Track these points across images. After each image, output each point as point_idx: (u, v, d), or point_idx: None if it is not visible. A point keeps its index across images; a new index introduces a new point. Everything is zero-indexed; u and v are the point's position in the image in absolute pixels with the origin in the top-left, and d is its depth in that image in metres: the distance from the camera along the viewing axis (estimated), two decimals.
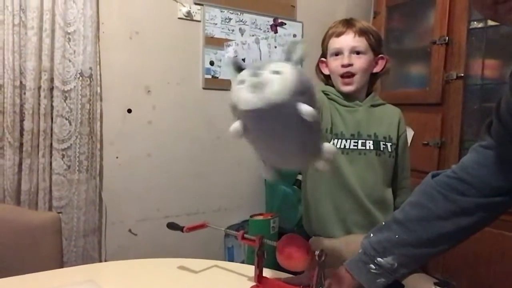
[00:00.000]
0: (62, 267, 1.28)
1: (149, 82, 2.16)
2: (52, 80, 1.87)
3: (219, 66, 2.32)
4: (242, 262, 2.22)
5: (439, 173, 0.87)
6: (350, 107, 1.27)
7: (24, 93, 1.81)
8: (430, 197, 0.84)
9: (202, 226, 1.08)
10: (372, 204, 1.24)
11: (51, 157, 1.89)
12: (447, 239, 0.84)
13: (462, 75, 1.84)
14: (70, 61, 1.90)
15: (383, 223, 0.90)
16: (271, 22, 2.48)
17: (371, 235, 0.90)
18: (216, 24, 2.30)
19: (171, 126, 2.23)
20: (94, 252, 2.02)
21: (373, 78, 1.30)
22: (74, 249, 1.95)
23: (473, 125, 1.83)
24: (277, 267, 0.94)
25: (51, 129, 1.88)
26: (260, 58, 2.47)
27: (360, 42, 1.23)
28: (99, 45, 2.00)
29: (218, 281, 1.05)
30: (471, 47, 1.84)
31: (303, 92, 0.67)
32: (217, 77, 2.32)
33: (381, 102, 1.33)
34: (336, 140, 1.24)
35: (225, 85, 2.34)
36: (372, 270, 0.86)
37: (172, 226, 1.10)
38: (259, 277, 0.93)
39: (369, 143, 1.25)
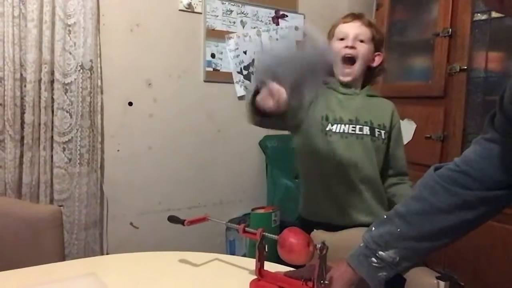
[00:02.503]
0: (63, 260, 1.28)
1: (150, 74, 2.15)
2: (52, 72, 1.86)
3: (220, 59, 2.31)
4: (244, 256, 2.22)
5: (442, 166, 0.86)
6: (348, 94, 1.37)
7: (25, 86, 1.80)
8: (432, 191, 0.83)
9: (203, 219, 1.07)
10: (364, 185, 1.34)
11: (52, 150, 1.89)
12: (449, 233, 0.84)
13: (466, 67, 1.82)
14: (70, 53, 1.89)
15: (385, 216, 0.89)
16: (273, 14, 2.46)
17: (373, 228, 0.90)
18: (217, 16, 2.28)
19: (172, 119, 2.22)
20: (95, 245, 2.02)
21: (368, 72, 1.40)
22: (76, 242, 1.95)
23: (476, 118, 1.81)
24: (278, 260, 0.94)
25: (52, 122, 1.88)
26: (261, 50, 2.46)
27: (365, 31, 1.34)
28: (99, 38, 1.99)
29: (219, 275, 1.05)
30: (475, 39, 1.82)
31: None
32: (219, 70, 2.31)
33: (376, 94, 1.43)
34: (335, 125, 1.33)
35: (226, 78, 2.33)
36: (374, 264, 0.86)
37: (173, 219, 1.10)
38: (260, 271, 0.93)
39: (366, 128, 1.34)
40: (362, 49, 1.33)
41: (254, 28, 2.41)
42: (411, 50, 2.25)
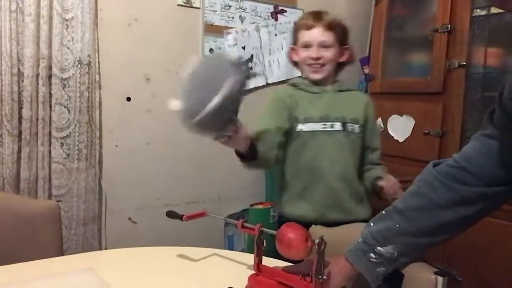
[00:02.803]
0: (62, 255, 1.28)
1: (148, 70, 2.15)
2: (50, 67, 1.85)
3: None
4: (242, 251, 2.23)
5: (440, 162, 0.86)
6: (317, 93, 1.39)
7: (22, 81, 1.79)
8: (431, 187, 0.83)
9: (201, 214, 1.07)
10: (339, 183, 1.35)
11: (50, 145, 1.88)
12: (448, 229, 0.84)
13: (464, 63, 1.81)
14: (68, 48, 1.88)
15: (384, 212, 0.90)
16: (272, 10, 2.45)
17: (371, 224, 0.90)
18: (215, 11, 2.28)
19: (171, 114, 2.20)
20: (94, 240, 2.02)
21: (338, 67, 1.42)
22: (74, 237, 1.95)
23: (474, 115, 1.81)
24: (276, 255, 0.94)
25: (50, 117, 1.87)
26: (260, 46, 2.45)
27: (328, 37, 1.35)
28: (97, 32, 1.98)
29: (218, 270, 1.05)
30: (474, 35, 1.82)
31: None
32: None
33: (348, 88, 1.45)
34: (306, 125, 1.35)
35: None
36: (372, 259, 0.86)
37: (171, 214, 1.10)
38: (258, 266, 0.93)
39: (338, 124, 1.36)
40: (328, 54, 1.35)
41: (253, 23, 2.40)
42: (410, 46, 2.25)
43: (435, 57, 1.93)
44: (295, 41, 1.42)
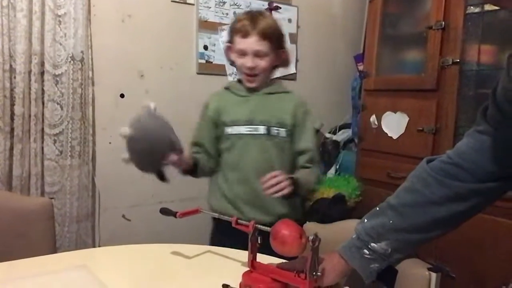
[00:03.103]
0: (55, 252, 1.28)
1: (142, 66, 2.13)
2: (42, 64, 1.83)
3: (213, 51, 2.29)
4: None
5: (434, 158, 0.86)
6: (245, 96, 1.41)
7: (14, 77, 1.77)
8: (425, 183, 0.84)
9: (195, 211, 1.07)
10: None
11: (42, 142, 1.87)
12: (441, 225, 0.84)
13: (458, 60, 1.82)
14: (61, 44, 1.87)
15: (377, 208, 0.90)
16: (266, 6, 2.44)
17: (365, 220, 0.90)
18: (210, 7, 2.26)
19: (164, 111, 2.18)
20: (87, 237, 2.01)
21: (274, 68, 1.43)
22: (68, 234, 1.94)
23: (468, 111, 1.82)
24: (271, 252, 0.94)
25: (43, 114, 1.85)
26: None
27: (263, 46, 1.33)
28: (90, 28, 1.96)
29: (212, 267, 1.05)
30: (468, 32, 1.82)
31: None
32: (211, 62, 2.29)
33: (281, 91, 1.44)
34: (232, 127, 1.39)
35: (219, 70, 2.31)
36: (366, 256, 0.86)
37: (165, 211, 1.10)
38: (252, 263, 0.93)
39: (262, 128, 1.37)
40: (263, 63, 1.35)
41: None
42: (404, 43, 2.25)
43: (429, 54, 1.94)
44: (231, 40, 1.40)
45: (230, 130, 1.39)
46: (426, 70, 1.95)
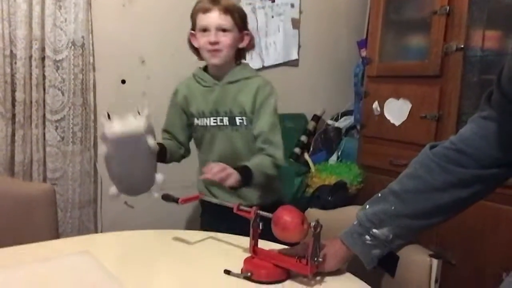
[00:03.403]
0: (57, 238, 1.28)
1: (143, 52, 2.12)
2: (43, 49, 1.82)
3: None
4: None
5: (437, 144, 0.86)
6: (209, 87, 1.38)
7: (15, 63, 1.77)
8: (428, 169, 0.83)
9: (197, 197, 1.07)
10: None
11: (44, 128, 1.87)
12: (444, 211, 0.84)
13: (462, 46, 1.80)
14: (61, 29, 1.85)
15: (379, 195, 0.90)
16: None
17: (367, 206, 0.90)
18: None
19: (166, 97, 2.17)
20: (90, 223, 2.02)
21: (239, 52, 1.40)
22: (70, 220, 1.95)
23: (471, 98, 1.81)
24: (272, 238, 0.94)
25: (44, 100, 1.85)
26: (257, 28, 2.42)
27: (226, 20, 1.31)
28: (91, 13, 1.94)
29: (213, 252, 1.05)
30: (472, 17, 1.80)
31: (150, 132, 1.09)
32: None
33: (245, 76, 1.38)
34: (200, 119, 1.38)
35: None
36: (368, 242, 0.86)
37: (167, 197, 1.10)
38: (254, 248, 0.93)
39: (225, 119, 1.36)
40: (227, 39, 1.31)
41: (250, 4, 2.36)
42: (407, 28, 2.22)
43: (433, 40, 1.92)
44: (193, 26, 1.38)
45: (197, 121, 1.39)
46: (430, 56, 1.93)
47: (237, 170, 1.17)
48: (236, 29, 1.34)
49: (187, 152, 1.47)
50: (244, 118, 1.35)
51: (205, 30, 1.32)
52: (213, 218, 1.28)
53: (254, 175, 1.22)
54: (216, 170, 1.13)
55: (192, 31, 1.39)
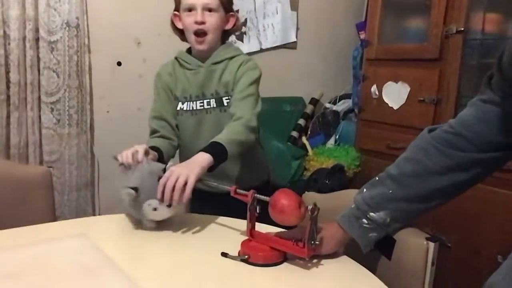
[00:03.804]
0: (55, 221, 1.28)
1: (139, 33, 2.09)
2: (37, 30, 1.79)
3: None
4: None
5: (436, 128, 0.85)
6: (193, 70, 1.33)
7: (9, 44, 1.74)
8: (426, 152, 0.83)
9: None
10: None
11: (39, 110, 1.85)
12: (441, 195, 0.84)
13: (462, 29, 1.78)
14: (55, 10, 1.82)
15: (377, 178, 0.89)
16: None
17: (364, 190, 0.90)
18: None
19: None
20: (87, 206, 2.02)
21: (224, 34, 1.36)
22: (67, 203, 1.95)
23: (470, 82, 1.80)
24: (269, 221, 0.94)
25: (39, 82, 1.83)
26: (255, 10, 2.39)
27: (212, 0, 1.26)
28: None
29: (211, 235, 1.05)
30: (473, 0, 1.78)
31: None
32: None
33: (227, 56, 1.32)
34: (186, 103, 1.33)
35: None
36: (364, 225, 0.87)
37: None
38: (251, 231, 0.93)
39: (213, 101, 1.32)
40: (213, 20, 1.27)
41: None
42: (407, 11, 2.20)
43: (433, 22, 1.89)
44: (177, 6, 1.32)
45: (183, 106, 1.34)
46: (429, 38, 1.91)
47: (204, 150, 1.09)
48: (222, 10, 1.30)
49: (178, 140, 1.37)
50: (230, 97, 1.31)
51: (190, 9, 1.27)
52: (201, 204, 1.24)
53: (227, 147, 1.11)
54: (167, 190, 0.98)
55: (176, 12, 1.33)
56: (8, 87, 1.76)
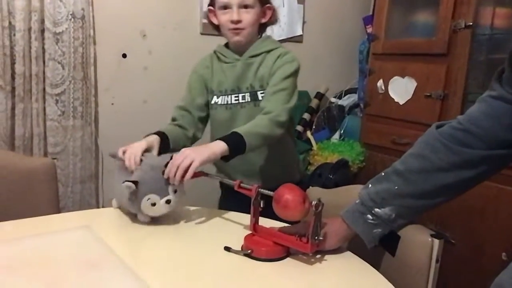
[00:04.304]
0: (58, 212, 1.28)
1: (145, 25, 2.08)
2: (42, 21, 1.79)
3: None
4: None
5: (444, 124, 0.84)
6: (230, 63, 1.32)
7: (14, 35, 1.73)
8: (433, 149, 0.82)
9: (199, 174, 1.06)
10: (252, 153, 1.23)
11: (44, 102, 1.85)
12: (448, 191, 0.83)
13: (471, 24, 1.76)
14: (61, 1, 1.81)
15: (382, 174, 0.88)
16: None
17: (369, 185, 0.89)
18: None
19: (168, 72, 2.17)
20: (91, 198, 2.03)
21: (262, 27, 1.33)
22: (71, 195, 1.95)
23: (478, 78, 1.77)
24: (273, 216, 0.93)
25: (44, 73, 1.83)
26: None
27: None
28: None
29: (214, 230, 1.05)
30: None
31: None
32: None
33: (265, 50, 1.30)
34: (221, 97, 1.32)
35: None
36: (369, 221, 0.86)
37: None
38: (254, 226, 0.93)
39: (247, 95, 1.29)
40: (249, 16, 1.25)
41: None
42: (415, 4, 2.17)
43: (441, 17, 1.87)
44: (211, 1, 1.31)
45: (217, 100, 1.33)
46: (437, 33, 1.89)
47: (221, 138, 1.08)
48: (258, 4, 1.27)
49: (200, 133, 1.37)
50: (265, 91, 1.27)
51: (226, 7, 1.25)
52: (233, 203, 1.16)
53: (245, 139, 1.09)
54: (172, 170, 0.99)
55: (211, 7, 1.31)
56: (13, 78, 1.76)
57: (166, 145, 1.22)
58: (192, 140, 1.34)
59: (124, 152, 1.11)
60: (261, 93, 1.28)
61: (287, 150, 1.40)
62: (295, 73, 1.27)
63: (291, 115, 1.24)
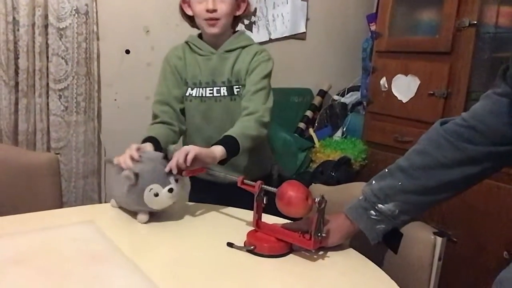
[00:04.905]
0: (61, 207, 1.29)
1: (148, 21, 2.08)
2: (46, 16, 1.79)
3: None
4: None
5: (448, 120, 0.84)
6: (205, 56, 1.31)
7: (18, 30, 1.74)
8: (437, 145, 0.82)
9: (201, 170, 1.07)
10: None
11: (47, 97, 1.85)
12: (451, 188, 0.83)
13: (475, 22, 1.75)
14: None
15: (386, 170, 0.89)
16: None
17: (373, 182, 0.89)
18: None
19: None
20: (94, 193, 2.03)
21: (235, 20, 1.33)
22: (74, 190, 1.96)
23: (482, 76, 1.77)
24: (276, 213, 0.94)
25: (47, 69, 1.83)
26: (264, 0, 2.36)
27: None
28: None
29: (217, 226, 1.05)
30: None
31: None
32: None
33: (240, 45, 1.31)
34: (195, 89, 1.31)
35: None
36: (372, 217, 0.86)
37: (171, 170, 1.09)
38: (257, 222, 0.93)
39: (223, 89, 1.30)
40: (224, 6, 1.24)
41: None
42: (419, 2, 2.16)
43: (445, 15, 1.86)
44: None
45: (192, 92, 1.31)
46: (441, 31, 1.89)
47: (218, 143, 1.10)
48: None
49: (184, 126, 1.34)
50: (241, 86, 1.29)
51: None
52: (200, 193, 1.24)
53: (239, 141, 1.12)
54: (180, 160, 1.00)
55: None
56: (16, 74, 1.77)
57: (159, 150, 1.19)
58: (180, 134, 1.33)
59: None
60: (237, 88, 1.29)
61: (262, 145, 1.40)
62: (270, 73, 1.30)
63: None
